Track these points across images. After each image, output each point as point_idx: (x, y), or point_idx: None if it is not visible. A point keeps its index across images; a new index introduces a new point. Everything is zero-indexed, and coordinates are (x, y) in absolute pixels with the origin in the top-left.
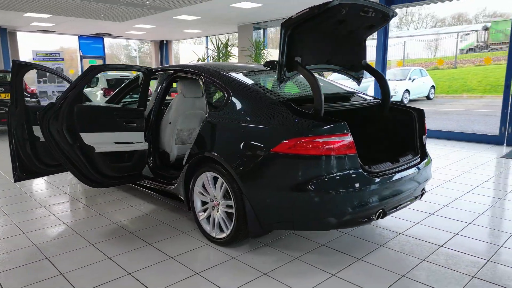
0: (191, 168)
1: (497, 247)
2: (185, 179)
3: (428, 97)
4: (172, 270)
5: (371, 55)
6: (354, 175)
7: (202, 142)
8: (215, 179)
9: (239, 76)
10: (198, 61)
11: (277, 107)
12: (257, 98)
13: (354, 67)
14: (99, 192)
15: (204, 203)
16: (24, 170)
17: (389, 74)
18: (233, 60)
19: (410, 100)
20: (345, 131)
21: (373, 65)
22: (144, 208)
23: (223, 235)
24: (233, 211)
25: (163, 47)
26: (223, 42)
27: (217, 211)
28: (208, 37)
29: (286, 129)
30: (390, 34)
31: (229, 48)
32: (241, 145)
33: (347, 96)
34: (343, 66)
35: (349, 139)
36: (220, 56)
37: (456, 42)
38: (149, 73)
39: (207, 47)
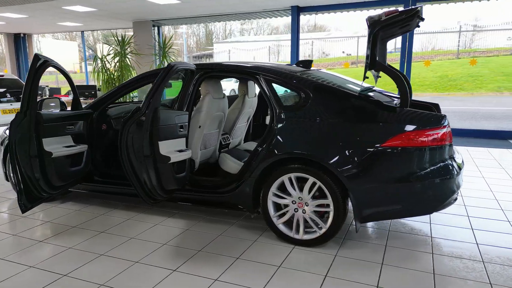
0: (263, 171)
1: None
2: (255, 184)
3: None
4: (300, 278)
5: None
6: (451, 162)
7: (284, 143)
8: (299, 180)
9: (305, 74)
10: (95, 59)
11: (370, 104)
12: (347, 96)
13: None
14: (89, 216)
15: (279, 207)
16: (31, 198)
17: None
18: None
19: None
20: (446, 122)
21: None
22: (173, 224)
23: (316, 235)
24: (323, 209)
25: (19, 41)
26: (119, 38)
27: (303, 212)
28: (84, 32)
29: (394, 125)
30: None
31: (126, 46)
32: (342, 143)
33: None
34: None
35: (448, 130)
36: (120, 53)
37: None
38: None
39: (105, 43)
